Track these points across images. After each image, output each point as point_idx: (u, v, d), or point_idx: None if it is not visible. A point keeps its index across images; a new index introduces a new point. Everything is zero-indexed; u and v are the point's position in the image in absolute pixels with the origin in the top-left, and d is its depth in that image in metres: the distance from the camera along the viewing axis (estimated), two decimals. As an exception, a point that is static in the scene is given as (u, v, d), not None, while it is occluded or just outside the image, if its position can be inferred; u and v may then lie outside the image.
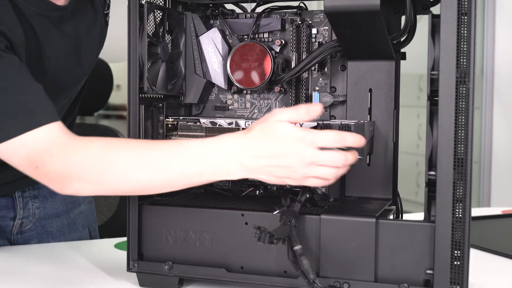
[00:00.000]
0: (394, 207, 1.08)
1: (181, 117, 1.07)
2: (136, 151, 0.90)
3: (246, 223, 0.96)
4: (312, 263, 0.87)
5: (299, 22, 1.07)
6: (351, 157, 0.83)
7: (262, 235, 0.82)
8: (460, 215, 0.85)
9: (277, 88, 1.09)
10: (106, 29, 1.25)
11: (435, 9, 0.92)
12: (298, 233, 0.93)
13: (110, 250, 1.23)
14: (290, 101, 1.09)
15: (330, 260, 0.92)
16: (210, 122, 1.03)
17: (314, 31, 1.09)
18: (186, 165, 0.86)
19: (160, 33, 1.05)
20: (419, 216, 1.18)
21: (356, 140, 0.83)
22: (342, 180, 1.08)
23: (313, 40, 1.09)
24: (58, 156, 0.91)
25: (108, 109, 3.73)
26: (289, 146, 0.81)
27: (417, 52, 1.40)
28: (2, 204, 1.28)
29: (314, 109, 0.83)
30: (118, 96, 3.36)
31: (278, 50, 1.09)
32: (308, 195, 0.97)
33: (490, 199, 3.25)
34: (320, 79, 1.09)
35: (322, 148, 0.82)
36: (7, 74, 0.95)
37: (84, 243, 1.31)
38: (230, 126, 1.02)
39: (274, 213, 0.95)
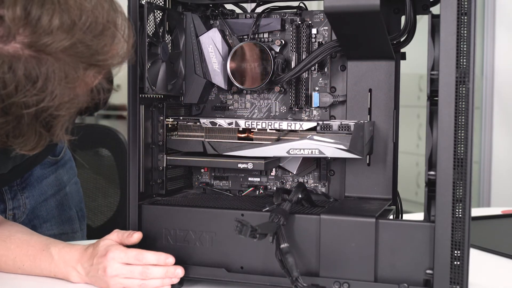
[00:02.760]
0: (394, 207, 1.08)
1: (181, 117, 1.07)
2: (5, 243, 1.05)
3: (246, 223, 0.96)
4: (297, 261, 0.87)
5: (299, 22, 1.08)
6: (155, 271, 0.96)
7: (244, 228, 0.83)
8: (460, 215, 0.85)
9: (277, 88, 1.09)
10: None
11: (435, 9, 0.92)
12: (298, 233, 0.93)
13: (110, 250, 1.23)
14: (290, 101, 1.09)
15: (330, 260, 0.92)
16: (210, 122, 1.03)
17: (314, 31, 1.09)
18: (41, 269, 1.04)
19: (160, 33, 1.05)
20: (419, 216, 1.18)
21: (159, 258, 0.96)
22: (342, 180, 1.08)
23: (313, 40, 1.09)
24: None
25: (108, 109, 3.73)
26: (100, 260, 0.98)
27: (417, 52, 1.40)
28: None
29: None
30: (118, 96, 3.36)
31: (278, 50, 1.09)
32: (300, 195, 0.97)
33: (490, 199, 3.25)
34: (320, 79, 1.09)
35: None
36: None
37: (84, 242, 1.31)
38: (230, 126, 1.02)
39: (264, 210, 0.95)
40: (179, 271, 0.96)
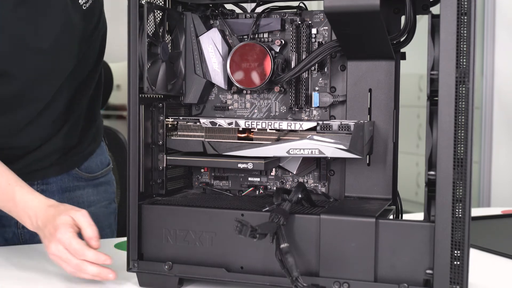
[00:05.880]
0: (394, 207, 1.08)
1: (181, 117, 1.07)
2: None
3: (246, 223, 0.96)
4: (297, 261, 0.88)
5: (299, 22, 1.08)
6: (90, 269, 1.00)
7: (244, 228, 0.83)
8: (460, 215, 0.85)
9: (277, 88, 1.09)
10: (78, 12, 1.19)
11: (435, 9, 0.92)
12: (298, 233, 0.93)
13: (110, 250, 1.23)
14: (290, 101, 1.09)
15: (330, 260, 0.92)
16: (210, 122, 1.03)
17: (314, 31, 1.09)
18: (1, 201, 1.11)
19: (160, 33, 1.05)
20: (419, 216, 1.18)
21: (98, 258, 1.00)
22: (342, 180, 1.08)
23: (313, 40, 1.09)
24: None
25: (108, 109, 3.73)
26: (51, 231, 1.02)
27: (417, 52, 1.40)
28: None
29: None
30: (118, 96, 3.36)
31: (278, 50, 1.09)
32: (300, 195, 0.97)
33: (490, 199, 3.25)
34: (320, 79, 1.09)
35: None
36: None
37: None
38: (230, 126, 1.02)
39: (264, 210, 0.95)
40: (111, 276, 1.00)
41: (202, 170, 1.17)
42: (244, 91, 1.12)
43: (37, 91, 1.20)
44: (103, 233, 1.42)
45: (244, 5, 1.13)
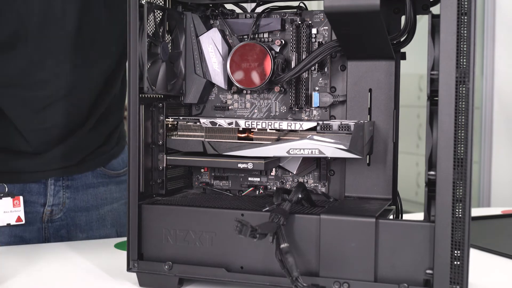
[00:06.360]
0: (394, 207, 1.08)
1: (181, 117, 1.07)
2: None
3: (246, 223, 0.96)
4: (297, 261, 0.87)
5: (299, 22, 1.08)
6: None
7: (244, 228, 0.83)
8: (460, 215, 0.85)
9: (277, 88, 1.09)
10: None
11: (435, 9, 0.92)
12: (298, 233, 0.93)
13: (110, 250, 1.23)
14: (290, 101, 1.09)
15: (330, 260, 0.92)
16: (210, 122, 1.03)
17: (314, 31, 1.09)
18: None
19: (160, 33, 1.05)
20: (419, 216, 1.18)
21: None
22: (342, 180, 1.08)
23: (313, 40, 1.09)
24: None
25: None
26: None
27: (417, 52, 1.40)
28: (34, 189, 1.31)
29: None
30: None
31: (278, 50, 1.09)
32: (300, 195, 0.97)
33: (490, 199, 3.25)
34: (320, 79, 1.09)
35: None
36: None
37: (84, 243, 1.31)
38: (230, 126, 1.03)
39: (264, 210, 0.95)
40: None
41: (202, 170, 1.17)
42: (244, 91, 1.12)
43: (46, 70, 1.22)
44: (123, 231, 1.43)
45: (244, 5, 1.13)
